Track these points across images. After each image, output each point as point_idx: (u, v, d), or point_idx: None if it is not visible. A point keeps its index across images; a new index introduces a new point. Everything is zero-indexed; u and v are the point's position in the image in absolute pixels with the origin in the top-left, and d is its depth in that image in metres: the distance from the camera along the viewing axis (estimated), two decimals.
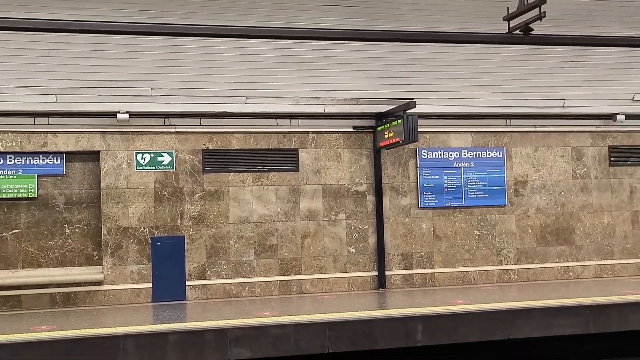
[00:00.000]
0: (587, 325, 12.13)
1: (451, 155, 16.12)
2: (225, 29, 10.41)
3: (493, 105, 15.92)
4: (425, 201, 15.89)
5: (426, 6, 13.63)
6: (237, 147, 14.98)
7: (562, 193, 16.69)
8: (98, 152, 14.38)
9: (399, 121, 14.13)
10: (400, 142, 14.12)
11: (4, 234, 13.91)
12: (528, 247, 16.42)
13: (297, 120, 15.21)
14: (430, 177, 15.93)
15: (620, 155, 17.10)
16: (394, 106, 14.85)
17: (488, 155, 16.32)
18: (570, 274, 16.62)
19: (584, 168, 16.85)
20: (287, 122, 15.18)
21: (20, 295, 13.81)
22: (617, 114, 16.67)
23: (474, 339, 11.69)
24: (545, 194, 16.60)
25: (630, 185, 17.12)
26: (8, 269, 13.91)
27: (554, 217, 16.61)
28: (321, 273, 15.24)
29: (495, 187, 16.29)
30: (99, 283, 14.20)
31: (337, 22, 13.42)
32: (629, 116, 16.75)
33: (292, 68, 14.35)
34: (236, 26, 11.52)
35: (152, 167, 14.57)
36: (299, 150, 15.29)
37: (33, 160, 14.18)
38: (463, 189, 16.11)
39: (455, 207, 16.09)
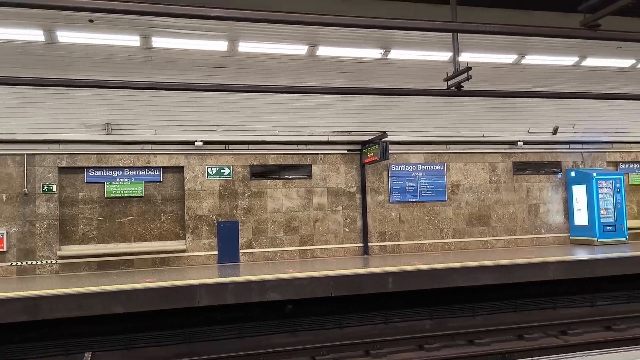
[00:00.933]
0: (500, 278, 12.33)
1: (410, 168, 16.25)
2: (264, 87, 10.63)
3: (437, 135, 16.05)
4: (393, 198, 16.03)
5: (394, 72, 13.86)
6: (272, 163, 15.13)
7: (482, 192, 16.83)
8: (182, 167, 14.51)
9: (377, 146, 14.34)
10: (378, 159, 14.31)
11: (123, 219, 14.08)
12: (460, 227, 16.55)
13: (311, 145, 15.36)
14: (397, 182, 16.05)
15: (520, 168, 17.23)
16: (373, 136, 15.05)
17: (434, 168, 16.43)
18: (488, 245, 16.76)
19: (497, 176, 16.98)
20: (304, 146, 15.31)
21: (133, 259, 13.96)
22: (518, 141, 16.82)
23: (426, 287, 11.89)
24: (471, 193, 16.73)
25: (526, 187, 17.26)
26: (125, 242, 14.09)
27: (477, 208, 16.75)
28: (326, 244, 15.40)
29: (439, 189, 16.40)
30: (183, 251, 14.34)
31: (337, 82, 13.67)
32: (526, 142, 16.91)
33: (308, 112, 14.55)
34: (271, 85, 11.75)
35: (217, 176, 14.73)
36: (312, 165, 15.45)
37: (141, 172, 14.24)
38: (418, 189, 16.22)
39: (413, 202, 16.20)
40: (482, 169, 16.88)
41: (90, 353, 10.38)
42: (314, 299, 11.38)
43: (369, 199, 15.77)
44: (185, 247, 14.27)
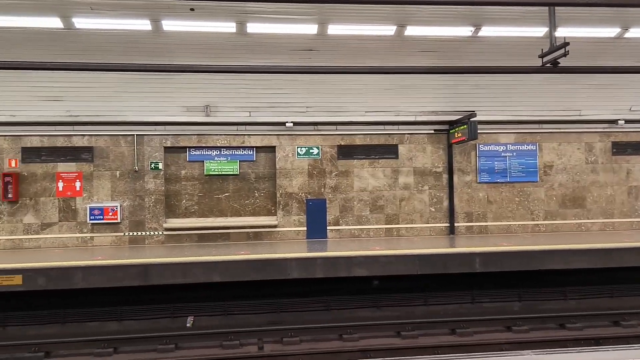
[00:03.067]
0: (595, 261, 11.62)
1: (500, 148, 15.60)
2: (353, 67, 10.59)
3: (529, 114, 15.25)
4: (482, 178, 15.50)
5: (484, 49, 13.29)
6: (359, 143, 15.13)
7: (577, 173, 15.81)
8: (274, 147, 14.88)
9: (465, 126, 13.88)
10: (466, 139, 13.86)
11: (220, 195, 14.76)
12: (552, 209, 15.70)
13: (397, 126, 15.16)
14: (485, 162, 15.49)
15: (620, 148, 15.96)
16: (461, 116, 14.57)
17: (525, 148, 15.65)
18: (582, 228, 15.78)
19: (594, 156, 15.86)
20: (391, 127, 15.15)
21: (229, 232, 14.63)
22: (619, 119, 15.55)
23: (514, 269, 11.47)
24: (565, 174, 15.78)
25: (627, 168, 15.99)
26: (222, 216, 14.77)
27: (572, 189, 15.78)
28: (412, 223, 15.24)
29: (530, 169, 15.62)
30: (275, 226, 14.80)
31: (425, 62, 13.37)
32: (627, 121, 15.59)
33: (395, 92, 14.37)
34: (359, 66, 11.70)
35: (306, 156, 15.00)
36: (398, 145, 15.27)
37: (236, 152, 14.76)
38: (508, 170, 15.56)
39: (502, 182, 15.57)
40: (578, 149, 15.84)
41: (193, 317, 11.11)
42: (399, 276, 11.37)
43: (455, 179, 15.36)
44: (276, 222, 14.72)
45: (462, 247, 12.05)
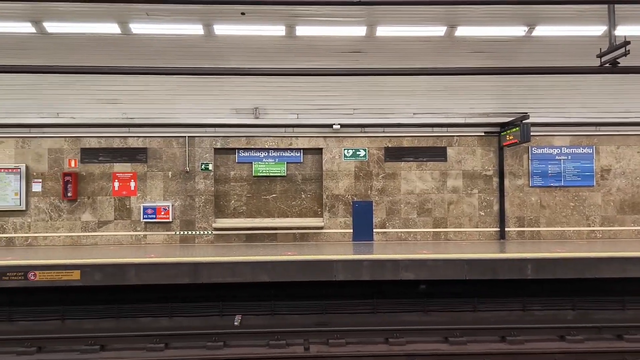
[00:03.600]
0: None
1: (554, 151, 15.08)
2: (402, 69, 10.51)
3: (585, 116, 14.67)
4: (534, 182, 15.03)
5: (538, 49, 12.90)
6: (406, 146, 14.98)
7: (638, 177, 15.09)
8: (321, 149, 14.93)
9: (517, 128, 13.50)
10: (518, 142, 13.47)
11: (268, 196, 14.94)
12: (610, 215, 15.03)
13: (446, 128, 14.91)
14: (538, 165, 15.01)
15: None
16: (513, 118, 14.19)
17: (581, 151, 15.06)
18: None
19: None
20: (439, 129, 14.90)
21: (276, 233, 14.79)
22: None
23: (569, 276, 11.07)
24: (624, 178, 15.08)
25: None
26: (270, 217, 14.94)
27: (631, 194, 15.05)
28: (460, 227, 14.95)
29: (586, 173, 15.03)
30: (321, 228, 14.84)
31: (475, 63, 13.11)
32: None
33: (444, 94, 14.17)
34: (408, 67, 11.61)
35: (353, 158, 14.97)
36: (447, 148, 15.02)
37: (284, 153, 14.88)
38: (562, 174, 15.02)
39: (556, 186, 15.04)
40: (638, 152, 15.10)
41: (240, 316, 11.30)
42: (447, 281, 11.19)
43: (506, 182, 14.96)
44: (322, 224, 14.76)
45: (513, 253, 11.73)
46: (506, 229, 14.89)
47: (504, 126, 14.53)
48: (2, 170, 14.14)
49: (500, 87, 14.16)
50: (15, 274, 10.37)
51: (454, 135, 14.97)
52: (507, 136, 14.13)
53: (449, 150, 14.99)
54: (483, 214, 14.97)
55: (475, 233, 14.94)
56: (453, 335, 9.87)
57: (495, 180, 14.99)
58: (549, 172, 15.01)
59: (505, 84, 14.03)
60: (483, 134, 14.97)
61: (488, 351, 9.19)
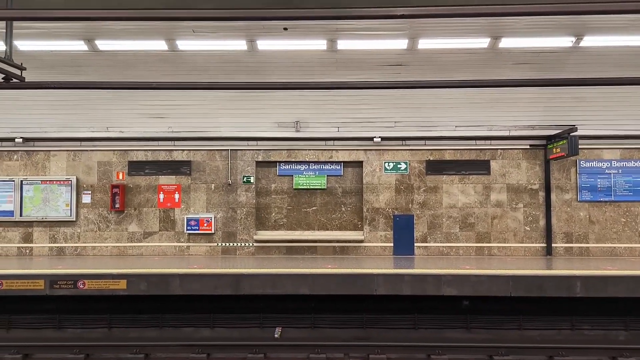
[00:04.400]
0: None
1: (603, 164, 14.56)
2: (444, 82, 10.44)
3: (638, 129, 14.13)
4: (582, 196, 14.53)
5: (586, 60, 12.56)
6: (448, 159, 14.78)
7: None
8: (361, 162, 14.90)
9: (564, 141, 13.14)
10: (565, 155, 13.10)
11: (308, 209, 15.01)
12: None
13: (490, 141, 14.65)
14: (587, 179, 14.51)
15: None
16: (560, 130, 13.80)
17: (633, 165, 14.48)
18: None
19: None
20: (482, 142, 14.67)
21: (316, 246, 14.81)
22: None
23: (621, 295, 10.60)
24: None
25: None
26: (310, 230, 14.98)
27: None
28: (505, 242, 14.59)
29: (638, 187, 14.44)
30: (361, 241, 14.75)
31: (520, 74, 12.86)
32: None
33: (487, 106, 13.95)
34: (450, 80, 11.51)
35: (394, 171, 14.88)
36: (490, 161, 14.73)
37: (324, 166, 14.94)
38: (613, 188, 14.46)
39: (606, 201, 14.49)
40: None
41: (280, 328, 11.32)
42: (491, 297, 10.90)
43: (553, 196, 14.52)
44: (363, 237, 14.69)
45: (560, 270, 11.35)
46: (553, 245, 14.43)
47: (550, 139, 14.15)
48: (55, 182, 14.76)
49: (546, 99, 13.83)
50: (65, 282, 10.75)
51: (497, 148, 14.68)
52: (554, 149, 13.75)
53: (493, 164, 14.70)
54: (529, 229, 14.56)
55: (520, 249, 14.54)
56: (497, 354, 9.61)
57: (542, 194, 14.57)
58: (599, 186, 14.49)
59: (552, 95, 13.70)
60: (528, 146, 14.62)
61: None
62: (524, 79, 12.03)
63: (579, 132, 13.16)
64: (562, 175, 14.59)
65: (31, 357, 9.81)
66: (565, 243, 14.50)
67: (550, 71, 12.81)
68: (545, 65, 12.87)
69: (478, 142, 14.66)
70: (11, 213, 14.73)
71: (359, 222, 14.94)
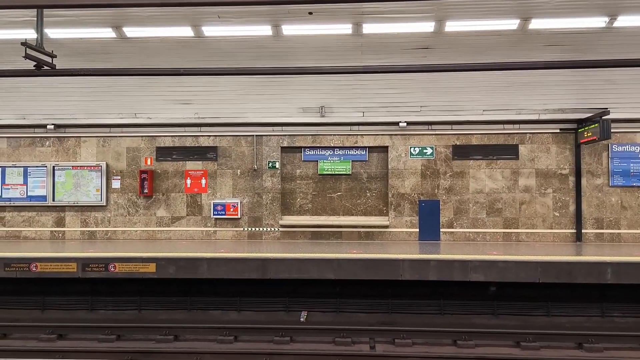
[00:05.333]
0: None
1: (637, 148, 14.13)
2: (471, 65, 10.21)
3: None
4: (614, 181, 14.16)
5: (621, 41, 12.13)
6: (475, 143, 14.56)
7: None
8: (387, 147, 14.81)
9: (596, 125, 12.80)
10: (597, 139, 12.77)
11: (333, 194, 15.01)
12: None
13: (518, 125, 14.37)
14: (619, 164, 14.12)
15: None
16: (592, 114, 13.45)
17: None
18: None
19: None
20: (510, 126, 14.41)
21: (341, 231, 14.84)
22: None
23: None
24: None
25: None
26: (335, 215, 15.01)
27: None
28: (533, 228, 14.36)
29: None
30: (386, 227, 14.73)
31: (550, 56, 12.51)
32: None
33: (516, 89, 13.65)
34: (477, 63, 11.27)
35: (420, 156, 14.74)
36: (519, 145, 14.46)
37: (349, 152, 14.90)
38: None
39: (639, 186, 14.13)
40: None
41: (306, 312, 11.42)
42: (518, 284, 10.78)
43: (584, 181, 14.20)
44: (388, 222, 14.64)
45: (591, 256, 11.12)
46: (583, 231, 14.15)
47: (581, 122, 13.81)
48: (85, 168, 15.07)
49: (577, 82, 13.45)
50: (97, 265, 11.02)
51: (526, 133, 14.39)
52: (585, 133, 13.42)
53: (521, 148, 14.42)
54: (558, 214, 14.30)
55: (549, 235, 14.30)
56: (525, 340, 9.51)
57: (572, 179, 14.27)
58: (632, 170, 14.09)
59: (583, 77, 13.31)
60: (558, 130, 14.30)
61: (564, 358, 8.78)
62: (555, 61, 11.68)
63: (611, 116, 12.81)
64: (593, 159, 14.24)
65: (65, 337, 10.12)
66: (596, 229, 14.20)
67: (582, 53, 12.44)
68: (576, 47, 12.49)
69: (506, 126, 14.40)
70: (44, 198, 15.12)
71: (384, 208, 14.88)
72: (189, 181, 15.00)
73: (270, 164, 14.91)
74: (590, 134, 13.11)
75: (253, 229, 14.91)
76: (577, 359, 8.82)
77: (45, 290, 11.85)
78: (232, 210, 14.82)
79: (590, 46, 12.44)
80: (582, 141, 13.69)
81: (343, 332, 9.90)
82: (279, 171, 14.92)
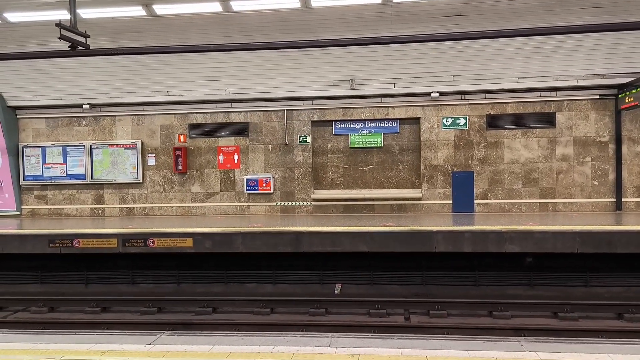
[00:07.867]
0: None
1: None
2: (505, 31, 9.87)
3: None
4: None
5: None
6: (510, 112, 14.22)
7: None
8: (419, 118, 14.63)
9: (637, 89, 12.29)
10: (639, 105, 12.27)
11: (364, 168, 14.96)
12: None
13: (555, 92, 13.94)
14: None
15: None
16: (633, 78, 12.90)
17: None
18: None
19: None
20: (547, 93, 13.98)
21: (373, 204, 14.83)
22: None
23: None
24: None
25: None
26: (367, 188, 14.99)
27: None
28: (571, 198, 14.03)
29: None
30: (419, 199, 14.64)
31: (588, 19, 12.01)
32: None
33: (552, 55, 13.20)
34: (512, 29, 10.90)
35: (452, 127, 14.50)
36: (556, 113, 14.04)
37: (380, 124, 14.77)
38: None
39: None
40: None
41: (340, 285, 11.51)
42: (556, 254, 10.57)
43: (624, 149, 13.73)
44: (420, 195, 14.53)
45: (631, 225, 10.79)
46: (623, 200, 13.74)
47: (622, 88, 13.29)
48: (121, 146, 15.39)
49: (617, 45, 12.90)
50: (136, 241, 11.32)
51: (563, 100, 13.94)
52: (626, 98, 12.91)
53: (558, 116, 14.00)
54: (597, 183, 13.90)
55: (587, 204, 13.95)
56: (563, 311, 9.36)
57: (612, 147, 13.81)
58: None
59: (624, 40, 12.75)
60: (597, 97, 13.80)
61: (603, 328, 8.63)
62: (593, 24, 11.21)
63: None
64: (635, 126, 13.72)
65: (108, 310, 10.50)
66: (637, 197, 13.77)
67: (622, 14, 11.87)
68: (616, 8, 11.92)
69: (542, 93, 13.98)
70: (83, 176, 15.56)
71: (417, 180, 14.76)
72: (221, 157, 15.16)
73: (301, 139, 14.91)
74: (631, 99, 12.61)
75: (285, 203, 15.03)
76: (617, 329, 8.65)
77: (88, 265, 12.27)
78: (264, 185, 14.95)
79: (631, 7, 11.86)
80: (622, 107, 13.20)
81: (378, 303, 9.95)
82: (310, 145, 14.91)
